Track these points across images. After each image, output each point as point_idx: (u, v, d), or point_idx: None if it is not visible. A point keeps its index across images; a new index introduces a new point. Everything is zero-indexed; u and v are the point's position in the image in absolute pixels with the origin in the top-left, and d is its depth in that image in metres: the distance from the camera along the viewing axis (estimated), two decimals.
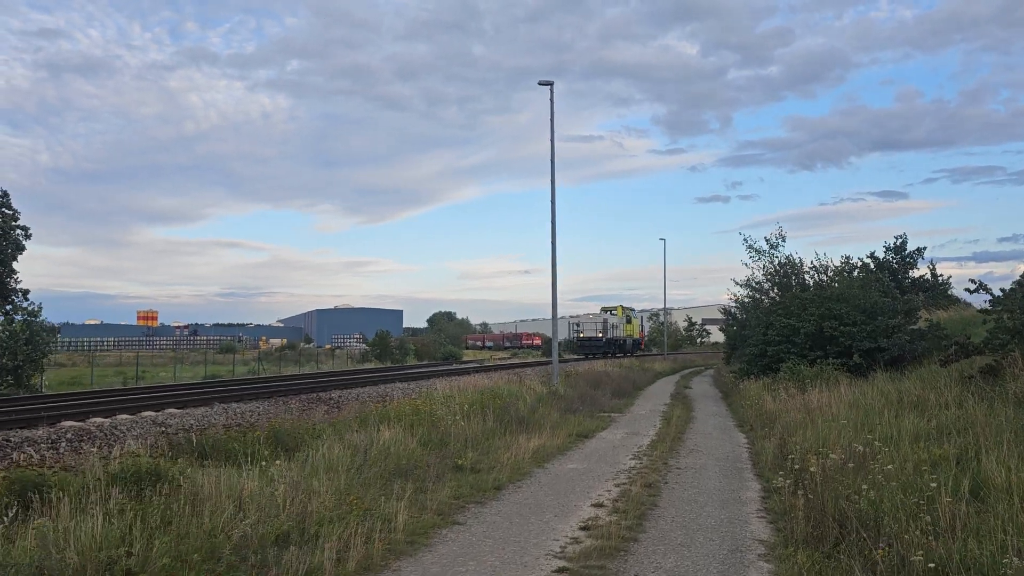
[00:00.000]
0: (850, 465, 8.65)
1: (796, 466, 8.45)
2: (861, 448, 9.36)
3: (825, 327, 21.04)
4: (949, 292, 36.66)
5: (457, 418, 13.65)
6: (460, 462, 10.58)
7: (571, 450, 12.84)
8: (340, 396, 19.03)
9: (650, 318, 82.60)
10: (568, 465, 11.35)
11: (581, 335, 55.25)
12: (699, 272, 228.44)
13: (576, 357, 51.36)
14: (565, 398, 20.03)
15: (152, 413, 14.31)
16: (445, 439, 12.24)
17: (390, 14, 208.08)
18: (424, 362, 56.44)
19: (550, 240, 24.08)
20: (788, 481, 8.41)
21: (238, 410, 15.30)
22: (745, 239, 30.52)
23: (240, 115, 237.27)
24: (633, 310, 63.93)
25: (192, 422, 13.42)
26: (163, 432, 11.78)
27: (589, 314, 59.43)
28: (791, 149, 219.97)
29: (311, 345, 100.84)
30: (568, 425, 15.54)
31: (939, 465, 8.62)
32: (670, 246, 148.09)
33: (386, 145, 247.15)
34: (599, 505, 8.51)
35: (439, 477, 9.54)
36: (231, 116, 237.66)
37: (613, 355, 52.40)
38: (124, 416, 13.76)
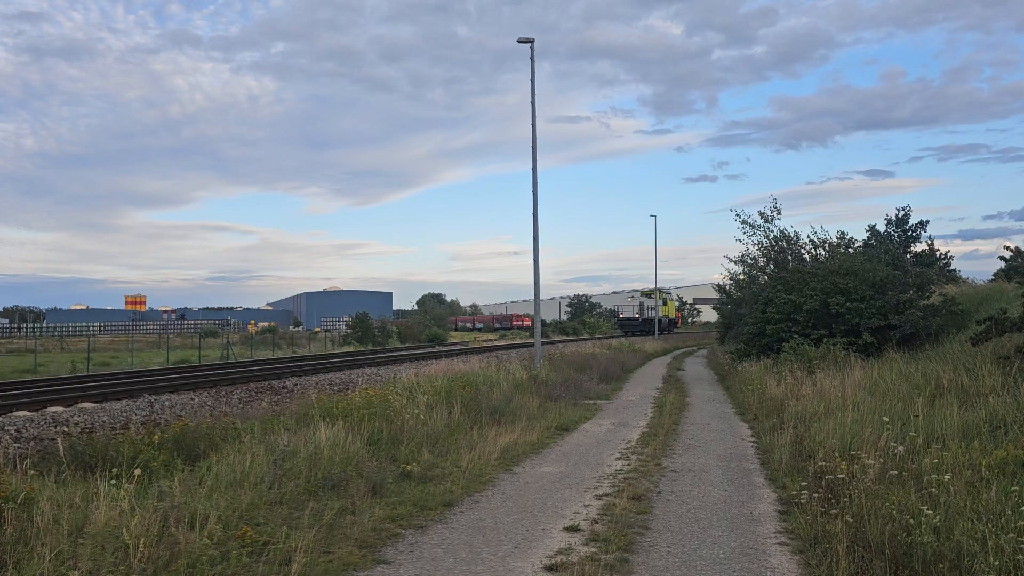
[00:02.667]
0: (892, 472, 6.81)
1: (828, 476, 6.55)
2: (902, 449, 7.53)
3: (830, 303, 19.29)
4: (949, 268, 35.21)
5: (417, 411, 11.74)
6: (409, 467, 8.67)
7: (548, 447, 10.97)
8: (296, 384, 17.07)
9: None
10: (542, 468, 9.48)
11: (620, 315, 64.60)
12: (689, 252, 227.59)
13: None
14: (547, 384, 18.16)
15: (59, 409, 12.27)
16: (398, 437, 10.34)
17: None
18: (407, 345, 54.52)
19: (532, 211, 22.15)
20: (815, 494, 6.54)
21: (167, 403, 13.29)
22: (738, 214, 29.55)
23: (226, 98, 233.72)
24: (669, 293, 71.04)
25: (105, 418, 11.45)
26: (48, 437, 9.78)
27: (628, 296, 66.28)
28: (777, 129, 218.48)
29: (299, 328, 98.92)
30: (547, 416, 13.70)
31: (1007, 471, 6.79)
32: (659, 226, 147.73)
33: (374, 127, 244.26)
34: (574, 529, 6.62)
35: (376, 490, 7.63)
36: (217, 99, 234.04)
37: (650, 333, 57.77)
38: (23, 413, 11.72)
